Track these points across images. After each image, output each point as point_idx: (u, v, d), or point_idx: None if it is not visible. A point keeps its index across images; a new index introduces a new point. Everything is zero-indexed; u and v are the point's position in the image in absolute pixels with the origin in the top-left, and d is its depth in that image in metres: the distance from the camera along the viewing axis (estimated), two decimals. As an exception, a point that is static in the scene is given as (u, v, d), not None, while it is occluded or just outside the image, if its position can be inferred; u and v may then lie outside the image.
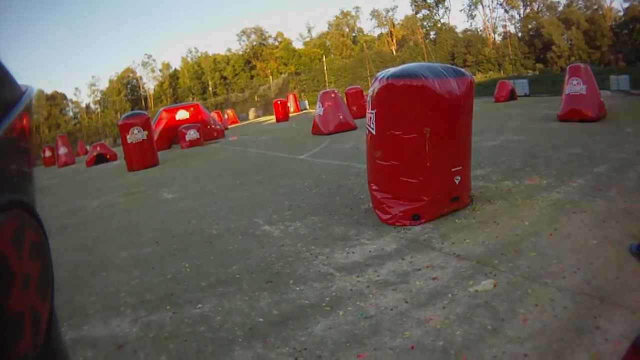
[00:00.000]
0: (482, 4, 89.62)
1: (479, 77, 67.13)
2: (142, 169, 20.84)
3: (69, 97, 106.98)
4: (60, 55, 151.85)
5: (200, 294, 6.35)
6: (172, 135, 30.73)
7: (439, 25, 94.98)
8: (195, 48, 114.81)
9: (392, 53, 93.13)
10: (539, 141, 14.15)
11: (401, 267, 6.30)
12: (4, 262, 0.61)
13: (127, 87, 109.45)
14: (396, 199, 8.00)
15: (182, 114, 33.46)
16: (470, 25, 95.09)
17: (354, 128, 24.00)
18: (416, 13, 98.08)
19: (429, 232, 7.47)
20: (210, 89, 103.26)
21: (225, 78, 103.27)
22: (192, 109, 34.40)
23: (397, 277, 5.99)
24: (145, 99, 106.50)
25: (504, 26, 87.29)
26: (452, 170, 8.01)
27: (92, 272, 7.78)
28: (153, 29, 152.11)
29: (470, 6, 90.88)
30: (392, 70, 8.05)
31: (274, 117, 48.47)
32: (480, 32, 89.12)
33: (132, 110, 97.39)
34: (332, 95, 25.21)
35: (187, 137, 29.06)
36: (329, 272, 6.46)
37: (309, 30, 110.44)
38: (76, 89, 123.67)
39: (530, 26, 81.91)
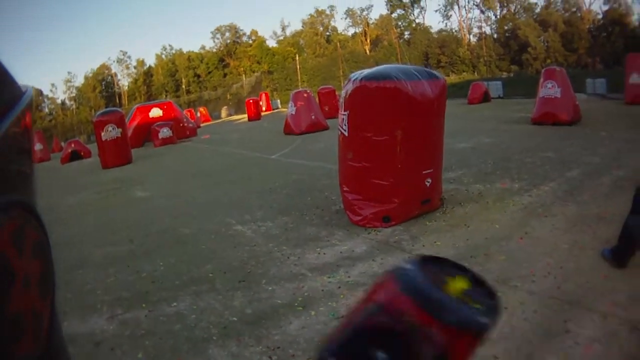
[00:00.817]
0: (457, 4, 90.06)
1: (452, 79, 67.75)
2: (116, 166, 20.81)
3: (45, 93, 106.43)
4: (37, 51, 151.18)
5: (174, 292, 6.41)
6: (146, 132, 30.35)
7: (414, 25, 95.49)
8: (169, 45, 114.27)
9: (366, 53, 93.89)
10: (512, 144, 14.23)
11: (372, 269, 6.38)
12: (4, 262, 0.62)
13: (102, 84, 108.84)
14: (367, 201, 8.06)
15: (155, 112, 33.24)
16: (446, 26, 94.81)
17: (326, 128, 24.11)
18: (391, 13, 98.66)
19: (399, 234, 7.56)
20: (184, 86, 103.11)
21: (198, 76, 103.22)
22: (165, 106, 34.29)
23: (368, 279, 6.08)
24: (120, 95, 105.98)
25: (480, 27, 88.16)
26: (423, 172, 8.12)
27: (68, 269, 7.72)
28: (128, 25, 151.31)
29: (445, 7, 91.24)
30: (365, 71, 8.16)
31: (246, 115, 48.32)
32: (455, 33, 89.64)
33: (106, 107, 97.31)
34: (305, 95, 25.37)
35: (160, 135, 28.94)
36: (301, 273, 6.54)
37: (283, 29, 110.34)
38: (52, 85, 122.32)
39: (506, 27, 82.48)
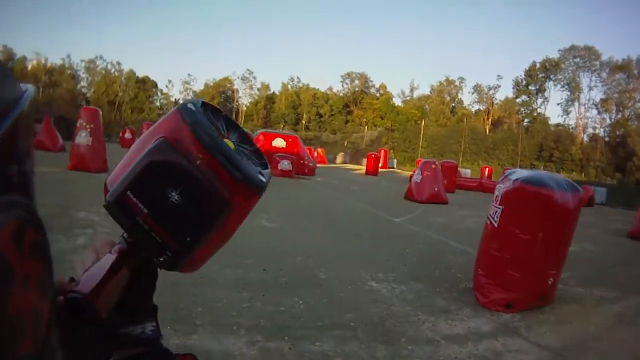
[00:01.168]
0: (579, 101, 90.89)
1: (574, 176, 66.69)
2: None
3: (159, 86, 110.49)
4: (161, 45, 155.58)
5: (317, 332, 6.57)
6: (262, 159, 31.04)
7: (535, 114, 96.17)
8: (297, 77, 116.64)
9: (486, 132, 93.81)
10: (612, 255, 14.55)
11: (495, 347, 6.86)
12: (3, 262, 0.63)
13: (221, 96, 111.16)
14: (497, 286, 8.54)
15: (279, 142, 33.29)
16: (564, 121, 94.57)
17: (445, 202, 24.17)
18: (516, 97, 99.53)
19: (517, 321, 7.98)
20: (304, 122, 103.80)
21: (321, 115, 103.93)
22: (290, 139, 34.28)
23: (493, 355, 6.57)
24: (237, 112, 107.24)
25: (594, 128, 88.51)
26: (549, 272, 8.65)
27: (193, 283, 7.70)
28: (261, 47, 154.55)
29: (567, 101, 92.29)
30: (523, 173, 8.94)
31: (361, 167, 48.12)
32: (571, 130, 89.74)
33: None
34: (433, 166, 25.34)
35: (280, 167, 28.86)
36: (436, 339, 6.89)
37: (412, 90, 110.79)
38: (169, 81, 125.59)
39: (618, 132, 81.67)
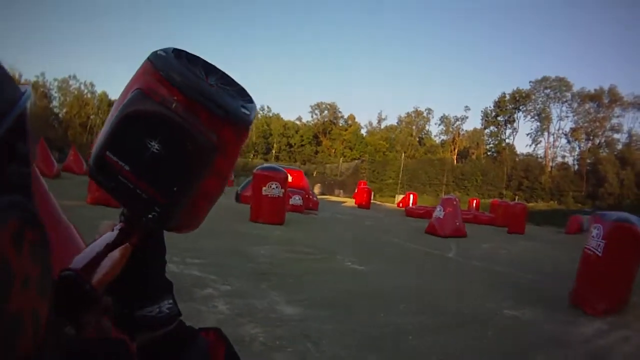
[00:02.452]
0: (548, 131, 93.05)
1: (540, 205, 68.53)
2: (266, 223, 19.77)
3: None
4: (131, 67, 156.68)
5: None
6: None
7: (503, 144, 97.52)
8: (268, 107, 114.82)
9: (454, 162, 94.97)
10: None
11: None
12: (3, 262, 0.62)
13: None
14: (600, 298, 10.54)
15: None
16: (533, 151, 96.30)
17: (465, 236, 24.68)
18: (484, 128, 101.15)
19: (619, 319, 10.01)
20: (274, 151, 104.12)
21: (291, 145, 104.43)
22: (295, 174, 33.44)
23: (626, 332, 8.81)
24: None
25: (563, 157, 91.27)
26: (632, 285, 10.92)
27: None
28: (230, 74, 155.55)
29: (537, 131, 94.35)
30: (615, 215, 11.42)
31: (346, 199, 47.93)
32: (539, 159, 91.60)
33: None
34: (454, 202, 26.24)
35: (291, 202, 27.72)
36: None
37: (379, 121, 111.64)
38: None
39: (589, 160, 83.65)
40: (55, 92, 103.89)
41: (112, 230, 1.11)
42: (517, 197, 69.21)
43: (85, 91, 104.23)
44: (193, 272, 8.94)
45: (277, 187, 20.75)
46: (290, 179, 29.79)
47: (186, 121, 1.05)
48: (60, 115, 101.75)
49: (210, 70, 1.24)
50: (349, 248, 15.63)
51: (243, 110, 1.16)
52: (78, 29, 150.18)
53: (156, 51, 1.16)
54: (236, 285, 8.45)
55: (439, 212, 25.44)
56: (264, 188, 20.69)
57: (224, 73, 1.26)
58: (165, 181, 1.07)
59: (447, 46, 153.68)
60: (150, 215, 1.07)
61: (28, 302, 0.68)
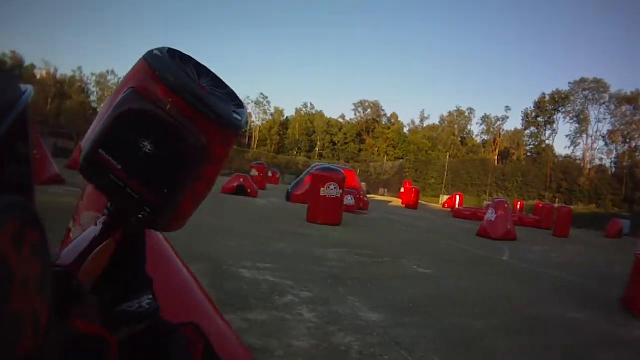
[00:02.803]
0: (586, 133, 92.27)
1: (579, 208, 67.38)
2: (324, 224, 19.63)
3: None
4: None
5: None
6: (319, 193, 29.81)
7: (543, 145, 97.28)
8: (311, 104, 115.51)
9: (495, 163, 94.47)
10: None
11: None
12: (3, 263, 0.63)
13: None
14: None
15: None
16: (572, 152, 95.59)
17: (515, 239, 24.59)
18: (525, 129, 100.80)
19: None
20: (317, 149, 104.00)
21: (334, 143, 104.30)
22: (348, 174, 32.35)
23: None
24: (250, 137, 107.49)
25: (601, 159, 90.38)
26: None
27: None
28: (275, 71, 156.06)
29: (575, 133, 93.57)
30: None
31: (392, 198, 47.81)
32: (578, 162, 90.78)
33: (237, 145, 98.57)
34: (506, 205, 26.03)
35: (345, 202, 27.24)
36: None
37: (422, 120, 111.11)
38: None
39: (625, 164, 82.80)
40: (93, 87, 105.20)
41: (96, 224, 1.15)
42: (557, 200, 69.22)
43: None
44: (267, 277, 8.78)
45: (335, 187, 20.65)
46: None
47: (179, 123, 1.09)
48: (98, 110, 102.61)
49: (202, 71, 1.28)
50: (410, 251, 15.54)
51: (235, 115, 1.21)
52: (116, 24, 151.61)
53: (152, 50, 1.19)
54: (315, 291, 8.25)
55: (490, 215, 25.42)
56: (322, 189, 20.60)
57: (215, 75, 1.31)
58: (157, 182, 1.10)
59: (488, 45, 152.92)
60: (140, 215, 1.10)
61: (28, 302, 0.68)
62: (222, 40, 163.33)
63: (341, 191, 21.03)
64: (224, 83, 1.31)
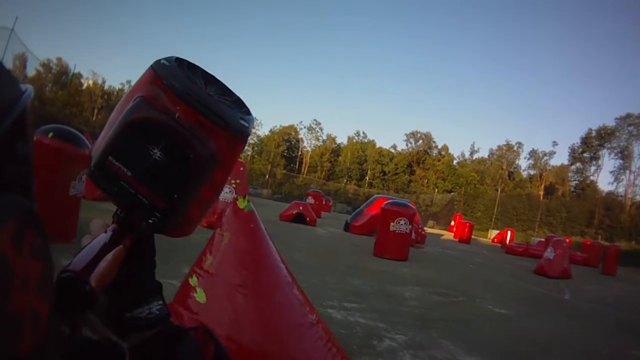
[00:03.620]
0: (630, 169, 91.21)
1: (621, 245, 65.56)
2: (392, 259, 19.41)
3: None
4: (230, 83, 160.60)
5: None
6: (375, 224, 29.54)
7: (587, 181, 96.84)
8: (363, 132, 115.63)
9: (540, 198, 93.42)
10: None
11: None
12: (3, 263, 0.63)
13: (285, 143, 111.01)
14: None
15: None
16: (615, 189, 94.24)
17: (570, 277, 24.83)
18: (571, 164, 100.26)
19: None
20: (368, 178, 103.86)
21: (385, 173, 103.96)
22: None
23: None
24: (301, 162, 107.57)
25: None
26: None
27: None
28: (329, 98, 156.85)
29: (619, 169, 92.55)
30: None
31: (442, 231, 47.73)
32: (620, 198, 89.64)
33: (284, 168, 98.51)
34: (564, 245, 26.23)
35: None
36: None
37: (472, 153, 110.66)
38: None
39: None
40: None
41: (105, 231, 1.13)
42: (599, 237, 67.78)
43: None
44: (358, 319, 8.77)
45: (405, 223, 20.46)
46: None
47: (188, 130, 1.11)
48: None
49: (209, 80, 1.29)
50: (480, 289, 15.63)
51: (242, 122, 1.22)
52: (164, 38, 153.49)
53: (159, 60, 1.21)
54: (409, 334, 8.25)
55: (549, 254, 25.52)
56: (392, 223, 20.38)
57: (222, 83, 1.32)
58: (166, 187, 1.12)
59: (538, 78, 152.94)
60: (150, 220, 1.12)
61: (28, 302, 0.68)
62: (279, 64, 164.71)
63: (410, 226, 20.84)
64: (231, 91, 1.33)
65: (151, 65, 1.20)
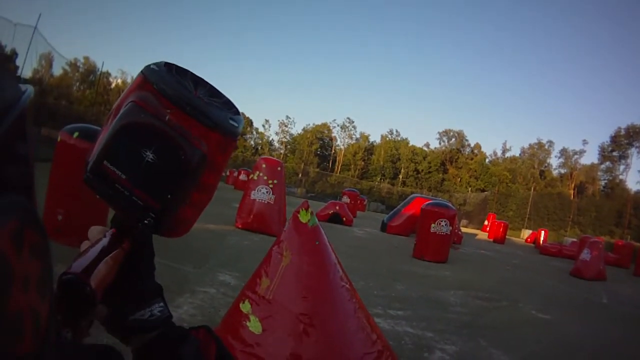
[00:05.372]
0: None
1: None
2: (432, 261, 19.23)
3: (255, 125, 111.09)
4: (263, 83, 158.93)
5: None
6: (414, 225, 29.30)
7: (617, 180, 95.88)
8: (397, 131, 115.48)
9: (571, 197, 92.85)
10: None
11: None
12: (3, 262, 0.63)
13: (319, 142, 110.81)
14: None
15: None
16: None
17: (605, 279, 24.67)
18: (601, 163, 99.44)
19: None
20: (401, 177, 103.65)
21: (418, 172, 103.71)
22: None
23: None
24: (334, 160, 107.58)
25: None
26: None
27: None
28: (362, 96, 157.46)
29: None
30: None
31: (476, 231, 49.36)
32: None
33: (318, 166, 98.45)
34: (600, 246, 26.04)
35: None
36: None
37: (504, 152, 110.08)
38: (266, 120, 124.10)
39: None
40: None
41: (104, 236, 1.17)
42: (628, 236, 66.76)
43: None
44: (405, 328, 8.66)
45: (445, 224, 20.29)
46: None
47: (178, 132, 1.14)
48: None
49: (199, 82, 1.31)
50: (521, 292, 15.52)
51: (231, 122, 1.26)
52: (202, 36, 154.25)
53: (149, 65, 1.25)
54: (458, 343, 8.13)
55: (585, 255, 25.40)
56: (432, 225, 20.20)
57: (211, 86, 1.34)
58: (160, 188, 1.15)
59: (570, 77, 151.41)
60: (145, 221, 1.16)
61: (28, 303, 0.68)
62: (313, 62, 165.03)
63: (451, 228, 20.65)
64: (220, 93, 1.34)
65: (141, 71, 1.24)
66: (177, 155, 1.14)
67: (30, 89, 0.81)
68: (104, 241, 1.15)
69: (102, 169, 1.13)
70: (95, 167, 1.14)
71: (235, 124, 1.27)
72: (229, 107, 1.32)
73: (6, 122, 0.70)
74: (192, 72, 1.33)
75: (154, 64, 1.26)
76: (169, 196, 1.16)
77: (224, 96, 1.35)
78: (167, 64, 1.27)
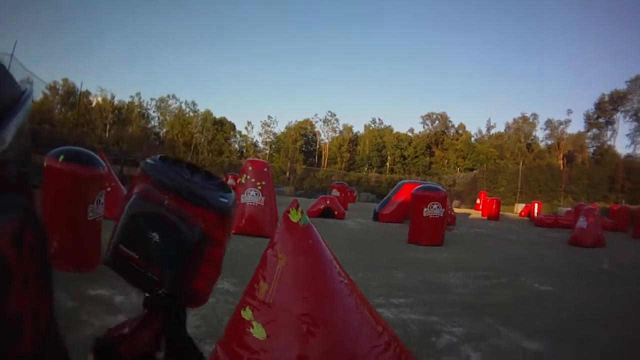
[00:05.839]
0: None
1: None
2: (427, 245, 19.23)
3: (238, 128, 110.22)
4: (240, 86, 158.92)
5: None
6: (407, 209, 29.24)
7: (605, 147, 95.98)
8: (379, 119, 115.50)
9: (560, 167, 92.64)
10: None
11: None
12: (3, 262, 0.64)
13: (303, 138, 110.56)
14: None
15: None
16: (633, 151, 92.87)
17: (604, 245, 24.43)
18: (587, 131, 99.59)
19: None
20: (388, 164, 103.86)
21: (404, 157, 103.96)
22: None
23: None
24: (319, 155, 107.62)
25: None
26: None
27: None
28: (341, 88, 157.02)
29: (635, 131, 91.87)
30: None
31: (469, 210, 51.57)
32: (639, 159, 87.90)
33: (304, 163, 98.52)
34: (595, 212, 26.02)
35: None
36: None
37: (489, 129, 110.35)
38: (248, 123, 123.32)
39: None
40: (154, 112, 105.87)
41: (137, 317, 1.37)
42: (623, 200, 67.45)
43: (187, 110, 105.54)
44: (409, 315, 8.56)
45: (438, 207, 20.24)
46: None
47: (177, 215, 1.33)
48: (160, 135, 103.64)
49: (194, 169, 1.54)
50: (521, 267, 15.50)
51: (222, 199, 1.46)
52: (170, 40, 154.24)
53: (146, 160, 1.46)
54: (464, 325, 8.03)
55: (582, 223, 25.40)
56: (425, 209, 20.16)
57: (206, 171, 1.57)
58: (169, 263, 1.33)
59: (547, 47, 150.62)
60: (160, 292, 1.34)
61: (28, 302, 0.70)
62: (287, 59, 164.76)
63: (444, 210, 20.63)
64: (214, 176, 1.54)
65: (140, 165, 1.45)
66: (179, 235, 1.30)
67: (30, 89, 0.80)
68: (139, 317, 1.32)
69: (118, 251, 1.32)
70: (112, 252, 1.34)
71: (226, 200, 1.46)
72: (222, 187, 1.53)
73: (6, 122, 0.70)
74: (187, 161, 1.55)
75: (151, 158, 1.45)
76: (178, 269, 1.30)
77: (217, 179, 1.56)
78: (162, 157, 1.48)
